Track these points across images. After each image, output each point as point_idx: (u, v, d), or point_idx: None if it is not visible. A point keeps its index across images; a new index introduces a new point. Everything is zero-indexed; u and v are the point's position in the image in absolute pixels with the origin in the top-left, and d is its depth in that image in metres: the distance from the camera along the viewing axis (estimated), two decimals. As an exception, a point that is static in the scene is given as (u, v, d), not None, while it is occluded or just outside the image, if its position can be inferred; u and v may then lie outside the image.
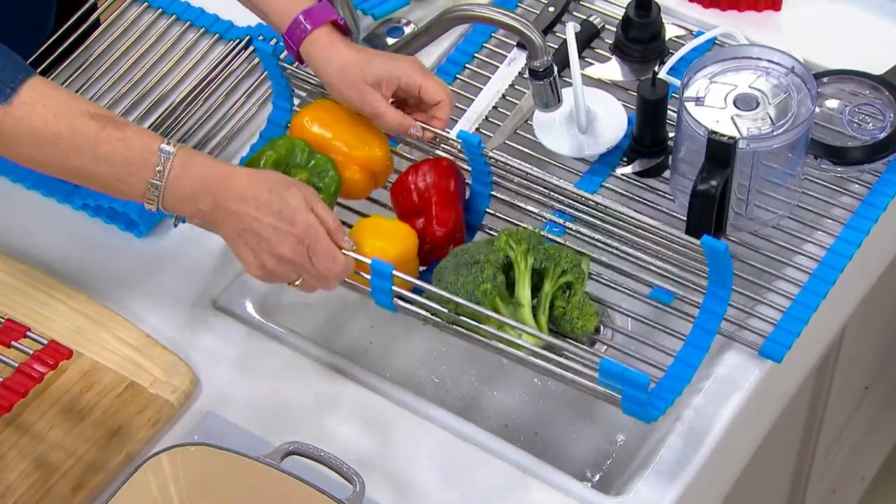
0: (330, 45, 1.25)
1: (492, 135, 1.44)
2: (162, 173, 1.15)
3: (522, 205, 1.31)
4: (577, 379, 1.17)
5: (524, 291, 1.21)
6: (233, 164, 1.20)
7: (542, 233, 1.28)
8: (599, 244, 1.29)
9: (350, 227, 1.27)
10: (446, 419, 1.25)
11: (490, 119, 1.45)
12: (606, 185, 1.39)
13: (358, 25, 1.43)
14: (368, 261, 1.19)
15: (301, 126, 1.29)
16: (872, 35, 1.49)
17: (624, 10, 1.46)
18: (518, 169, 1.27)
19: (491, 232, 1.31)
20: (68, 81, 1.48)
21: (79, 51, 1.51)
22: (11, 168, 1.40)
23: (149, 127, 1.44)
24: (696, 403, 1.25)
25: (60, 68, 1.50)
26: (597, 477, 1.36)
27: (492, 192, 1.31)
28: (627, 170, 1.39)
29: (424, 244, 1.26)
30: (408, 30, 1.52)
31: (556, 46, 1.46)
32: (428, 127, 1.26)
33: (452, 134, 1.27)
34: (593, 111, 1.40)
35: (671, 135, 1.37)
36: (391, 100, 1.27)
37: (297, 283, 1.19)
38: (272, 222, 1.15)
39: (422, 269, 1.28)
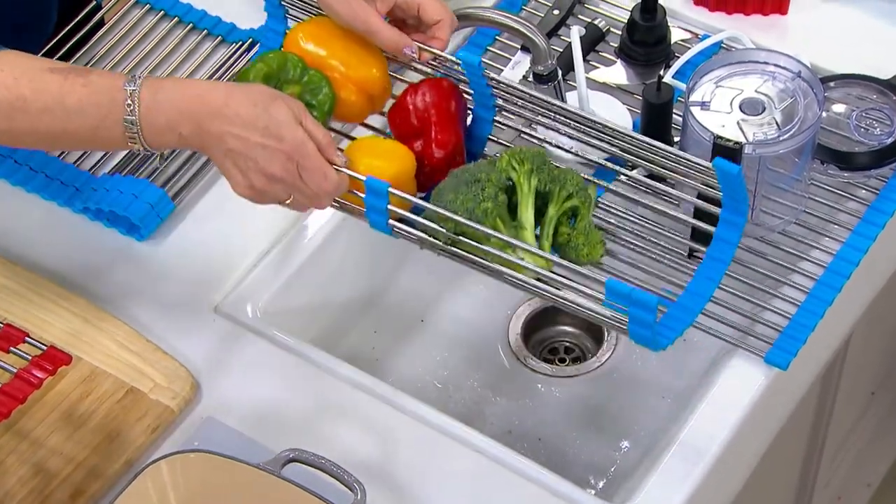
0: None
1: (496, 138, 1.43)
2: (132, 107, 1.10)
3: (528, 131, 1.25)
4: (581, 301, 1.11)
5: (527, 214, 1.15)
6: (209, 81, 1.14)
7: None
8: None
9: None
10: (449, 426, 1.24)
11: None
12: (611, 189, 1.37)
13: (361, 28, 1.42)
14: (363, 178, 1.14)
15: (295, 43, 1.23)
16: (880, 39, 1.48)
17: (629, 13, 1.45)
18: (523, 91, 1.21)
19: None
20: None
21: (80, 53, 1.50)
22: (11, 171, 1.39)
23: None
24: (702, 410, 1.24)
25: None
26: (601, 484, 1.35)
27: (495, 119, 1.25)
28: (633, 173, 1.37)
29: (423, 167, 1.20)
30: (411, 32, 1.50)
31: (561, 50, 1.46)
32: (426, 47, 1.21)
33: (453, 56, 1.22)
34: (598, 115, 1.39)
35: (676, 139, 1.36)
36: (388, 20, 1.22)
37: (287, 202, 1.14)
38: (258, 140, 1.10)
39: (420, 194, 1.22)
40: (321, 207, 1.16)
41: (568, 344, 1.49)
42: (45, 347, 1.16)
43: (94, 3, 1.54)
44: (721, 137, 1.24)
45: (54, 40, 1.50)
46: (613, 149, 1.20)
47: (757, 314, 1.28)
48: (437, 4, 1.20)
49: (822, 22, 1.50)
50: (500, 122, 1.26)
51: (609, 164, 1.24)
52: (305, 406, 1.24)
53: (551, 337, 1.49)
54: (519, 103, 1.23)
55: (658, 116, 1.34)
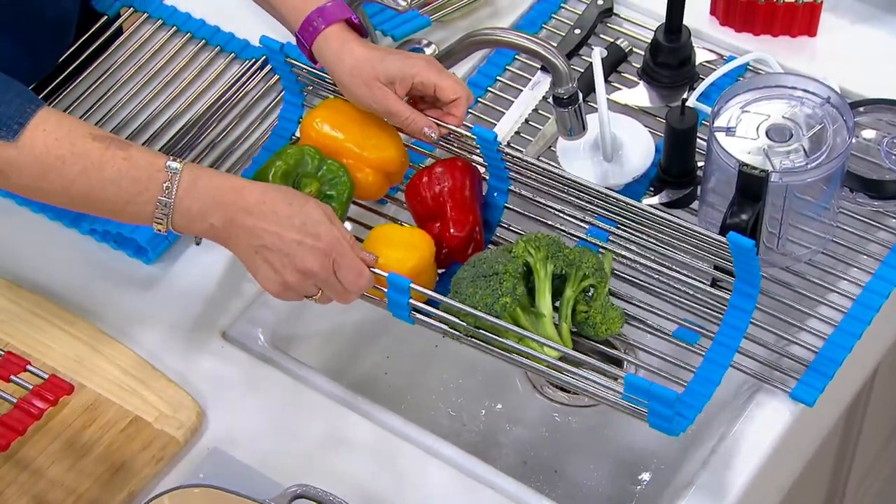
0: (342, 44, 1.22)
1: (514, 161, 1.40)
2: (170, 190, 1.11)
3: (543, 201, 1.27)
4: (600, 392, 1.13)
5: (545, 301, 1.18)
6: (243, 178, 1.16)
7: (574, 235, 1.25)
8: (626, 259, 1.25)
9: (366, 226, 1.25)
10: (462, 459, 1.21)
11: (512, 145, 1.41)
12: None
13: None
14: (385, 275, 1.16)
15: (311, 127, 1.25)
16: (911, 62, 1.45)
17: (653, 33, 1.42)
18: (535, 165, 1.23)
19: (511, 228, 1.28)
20: (81, 100, 1.45)
21: (91, 67, 1.48)
22: (18, 190, 1.36)
23: (162, 147, 1.41)
24: (725, 447, 1.21)
25: (73, 85, 1.47)
26: (619, 520, 1.32)
27: (510, 188, 1.27)
28: (654, 200, 1.35)
29: (442, 248, 1.23)
30: (428, 51, 1.48)
31: (582, 70, 1.43)
32: (442, 123, 1.23)
33: (467, 130, 1.23)
34: (619, 139, 1.36)
35: (700, 164, 1.33)
36: (406, 98, 1.23)
37: (315, 297, 1.16)
38: (295, 237, 1.12)
39: (440, 271, 1.25)
40: (347, 302, 1.18)
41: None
42: (46, 376, 1.13)
43: (106, 17, 1.51)
44: (747, 165, 1.21)
45: (67, 53, 1.47)
46: (632, 223, 1.23)
47: (782, 347, 1.25)
48: (453, 84, 1.22)
49: (852, 44, 1.47)
50: (514, 191, 1.28)
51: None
52: (314, 437, 1.21)
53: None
54: (533, 177, 1.25)
55: (681, 142, 1.31)
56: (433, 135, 1.22)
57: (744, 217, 1.21)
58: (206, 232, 1.14)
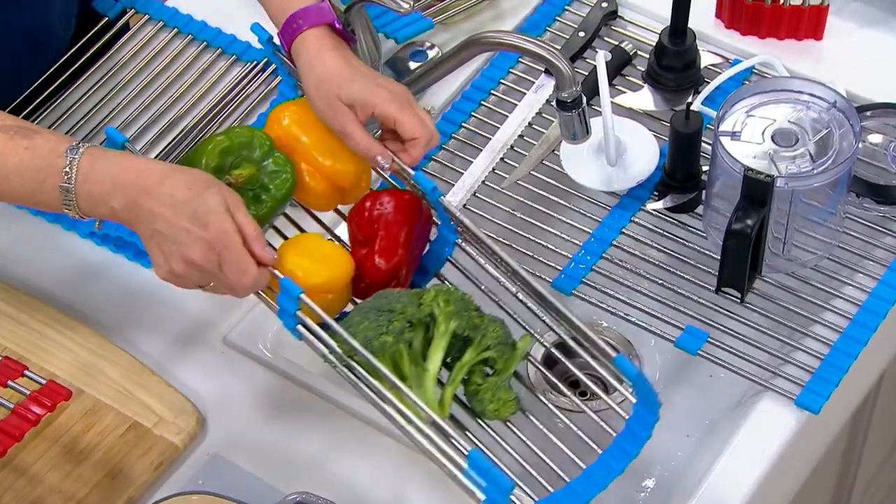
0: (318, 51, 1.18)
1: (517, 165, 1.39)
2: (69, 175, 1.08)
3: (487, 267, 1.20)
4: (444, 463, 1.06)
5: (436, 357, 1.11)
6: (151, 159, 1.12)
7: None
8: (627, 284, 1.23)
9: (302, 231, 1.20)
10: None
11: (515, 148, 1.40)
12: (636, 220, 1.34)
13: (379, 49, 1.39)
14: (280, 277, 1.10)
15: (276, 120, 1.21)
16: (919, 66, 1.44)
17: (658, 36, 1.41)
18: (473, 234, 1.17)
19: (447, 282, 1.21)
20: (81, 101, 1.44)
21: (92, 69, 1.47)
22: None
23: (162, 150, 1.40)
24: (729, 454, 1.20)
25: (74, 87, 1.46)
26: (622, 528, 1.30)
27: (449, 258, 1.21)
28: (658, 205, 1.34)
29: (364, 278, 1.17)
30: (431, 54, 1.47)
31: (586, 74, 1.42)
32: (397, 160, 1.18)
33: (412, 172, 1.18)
34: (623, 142, 1.35)
35: (705, 169, 1.32)
36: (376, 127, 1.20)
37: (206, 287, 1.12)
38: (184, 224, 1.08)
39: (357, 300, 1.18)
40: (239, 296, 1.13)
41: (590, 377, 1.44)
42: (43, 382, 1.12)
43: (106, 18, 1.51)
44: (752, 170, 1.19)
45: (67, 55, 1.47)
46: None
47: (787, 353, 1.24)
48: (415, 122, 1.17)
49: (859, 48, 1.46)
50: (462, 246, 1.21)
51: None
52: (316, 443, 1.21)
53: (572, 369, 1.44)
54: (472, 241, 1.19)
55: (686, 146, 1.30)
56: (385, 164, 1.17)
57: (749, 222, 1.20)
58: (110, 215, 1.10)
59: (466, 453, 1.05)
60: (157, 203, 1.08)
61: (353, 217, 1.19)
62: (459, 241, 1.20)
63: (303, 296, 1.10)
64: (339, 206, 1.25)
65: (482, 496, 1.05)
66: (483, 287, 1.20)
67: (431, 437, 1.07)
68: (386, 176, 1.22)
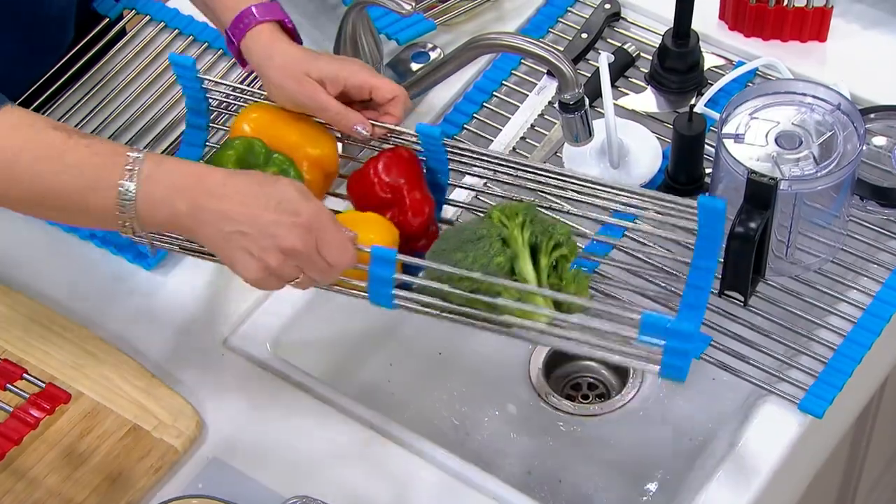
0: (273, 41, 1.18)
1: (519, 167, 1.38)
2: (132, 173, 1.06)
3: (484, 190, 1.24)
4: (605, 344, 1.07)
5: (528, 267, 1.12)
6: (206, 165, 1.12)
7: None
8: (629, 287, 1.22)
9: None
10: (465, 469, 1.19)
11: (518, 150, 1.40)
12: (639, 222, 1.33)
13: (381, 50, 1.38)
14: (368, 249, 1.10)
15: (240, 132, 1.21)
16: (923, 68, 1.44)
17: (661, 37, 1.40)
18: (482, 154, 1.19)
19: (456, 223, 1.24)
20: (82, 102, 1.44)
21: (93, 70, 1.47)
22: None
23: (164, 150, 1.40)
24: (733, 458, 1.19)
25: (74, 87, 1.45)
26: (624, 532, 1.30)
27: (449, 182, 1.23)
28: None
29: (402, 236, 1.18)
30: (433, 55, 1.47)
31: (589, 75, 1.41)
32: (379, 123, 1.19)
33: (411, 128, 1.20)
34: (626, 145, 1.34)
35: (708, 171, 1.31)
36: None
37: (297, 280, 1.10)
38: (271, 216, 1.05)
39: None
40: (328, 282, 1.12)
41: (591, 380, 1.44)
42: (43, 385, 1.12)
43: (107, 19, 1.50)
44: (756, 173, 1.19)
45: (68, 56, 1.46)
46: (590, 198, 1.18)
47: (791, 357, 1.23)
48: (389, 84, 1.19)
49: (863, 50, 1.45)
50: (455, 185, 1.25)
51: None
52: (316, 447, 1.20)
53: (574, 372, 1.44)
54: (489, 166, 1.21)
55: (689, 148, 1.30)
56: (365, 131, 1.18)
57: (752, 225, 1.19)
58: (171, 219, 1.07)
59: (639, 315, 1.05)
60: (228, 203, 1.06)
61: (361, 188, 1.19)
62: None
63: (400, 255, 1.10)
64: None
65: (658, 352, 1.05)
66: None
67: (589, 325, 1.08)
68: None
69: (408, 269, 1.16)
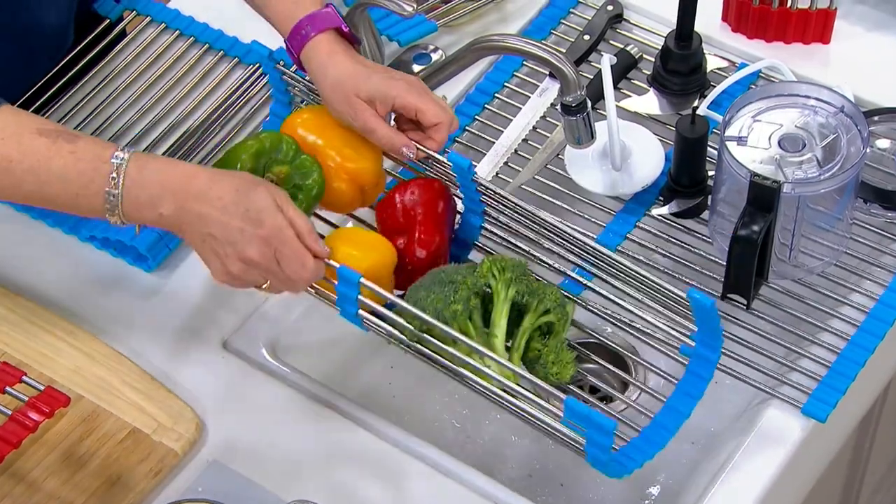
0: (329, 55, 1.20)
1: (521, 169, 1.38)
2: (116, 180, 1.09)
3: (514, 241, 1.24)
4: (541, 417, 1.09)
5: (500, 321, 1.13)
6: (194, 164, 1.13)
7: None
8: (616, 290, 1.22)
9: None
10: (466, 473, 1.19)
11: (519, 152, 1.39)
12: (641, 225, 1.33)
13: (383, 52, 1.38)
14: (336, 266, 1.12)
15: (292, 129, 1.23)
16: (927, 70, 1.43)
17: (663, 39, 1.40)
18: (508, 200, 1.19)
19: (486, 249, 1.25)
20: (82, 104, 1.44)
21: (94, 71, 1.46)
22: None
23: (165, 153, 1.39)
24: (735, 462, 1.19)
25: (75, 89, 1.45)
26: (626, 536, 1.30)
27: (483, 225, 1.24)
28: (664, 210, 1.32)
29: (405, 266, 1.19)
30: (435, 56, 1.46)
31: (591, 77, 1.40)
32: (422, 147, 1.20)
33: (444, 157, 1.21)
34: (628, 147, 1.34)
35: (711, 174, 1.31)
36: (394, 117, 1.21)
37: (264, 286, 1.13)
38: (238, 224, 1.09)
39: (398, 292, 1.20)
40: (296, 292, 1.15)
41: (593, 383, 1.43)
42: (42, 388, 1.11)
43: (108, 20, 1.50)
44: (759, 176, 1.18)
45: (69, 56, 1.46)
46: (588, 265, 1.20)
47: (793, 361, 1.23)
48: (435, 108, 1.20)
49: (867, 52, 1.45)
50: (488, 230, 1.25)
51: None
52: (316, 450, 1.19)
53: (576, 375, 1.43)
54: (506, 212, 1.22)
55: (692, 151, 1.29)
56: (411, 154, 1.20)
57: (755, 228, 1.19)
58: (156, 220, 1.11)
59: (563, 399, 1.06)
60: (208, 207, 1.09)
61: (383, 209, 1.21)
62: (484, 220, 1.23)
63: (363, 279, 1.11)
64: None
65: (583, 440, 1.06)
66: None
67: (519, 394, 1.09)
68: (406, 164, 1.24)
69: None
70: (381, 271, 1.17)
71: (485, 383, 1.11)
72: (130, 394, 1.20)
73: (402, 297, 1.17)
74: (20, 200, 1.14)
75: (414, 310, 1.11)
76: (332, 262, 1.12)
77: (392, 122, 1.22)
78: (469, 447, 1.36)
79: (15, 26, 1.33)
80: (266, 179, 1.16)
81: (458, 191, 1.24)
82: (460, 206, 1.25)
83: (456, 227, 1.25)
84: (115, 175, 1.09)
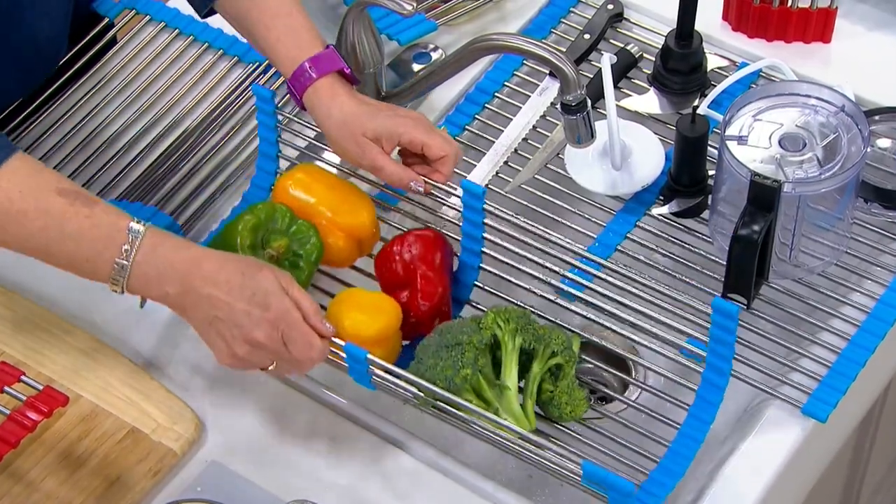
0: (333, 97, 1.22)
1: (521, 168, 1.37)
2: (129, 252, 1.10)
3: (514, 279, 1.25)
4: (563, 473, 1.11)
5: (511, 375, 1.16)
6: (203, 247, 1.14)
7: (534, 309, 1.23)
8: (631, 289, 1.22)
9: (332, 295, 1.23)
10: (465, 473, 1.19)
11: (519, 152, 1.39)
12: (641, 224, 1.32)
13: (382, 51, 1.37)
14: (342, 343, 1.14)
15: (284, 190, 1.25)
16: (928, 70, 1.43)
17: (664, 38, 1.39)
18: (516, 224, 1.22)
19: (478, 306, 1.26)
20: (82, 103, 1.43)
21: (93, 70, 1.46)
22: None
23: (165, 150, 1.39)
24: (735, 462, 1.19)
25: (74, 88, 1.45)
26: (626, 537, 1.29)
27: (481, 266, 1.26)
28: (664, 209, 1.32)
29: (409, 318, 1.21)
30: (434, 55, 1.46)
31: (591, 76, 1.40)
32: (429, 180, 1.23)
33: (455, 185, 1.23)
34: (629, 146, 1.34)
35: (711, 173, 1.30)
36: (398, 151, 1.24)
37: (270, 368, 1.14)
38: (244, 307, 1.10)
39: (405, 343, 1.23)
40: (301, 373, 1.17)
41: (593, 383, 1.43)
42: (40, 387, 1.11)
43: (107, 20, 1.49)
44: (759, 175, 1.18)
45: (66, 56, 1.45)
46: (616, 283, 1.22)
47: (794, 361, 1.22)
48: (441, 142, 1.23)
49: (868, 51, 1.44)
50: (486, 269, 1.27)
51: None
52: (316, 450, 1.19)
53: (576, 374, 1.43)
54: (509, 249, 1.24)
55: (692, 150, 1.29)
56: (420, 189, 1.22)
57: (755, 227, 1.18)
58: (161, 297, 1.13)
59: (580, 463, 1.10)
60: (215, 289, 1.10)
61: (382, 265, 1.23)
62: (483, 264, 1.26)
63: (369, 356, 1.13)
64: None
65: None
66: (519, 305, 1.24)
67: (537, 451, 1.12)
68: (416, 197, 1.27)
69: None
70: (389, 332, 1.18)
71: (504, 436, 1.13)
72: (129, 393, 1.20)
73: (409, 347, 1.20)
74: (27, 253, 1.14)
75: (425, 383, 1.13)
76: (338, 339, 1.14)
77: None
78: (468, 448, 1.36)
79: (8, 42, 1.33)
80: (268, 256, 1.18)
81: (455, 235, 1.26)
82: (456, 248, 1.27)
83: (455, 268, 1.27)
84: (127, 247, 1.10)
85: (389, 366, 1.15)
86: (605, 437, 1.20)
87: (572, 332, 1.22)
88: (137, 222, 1.11)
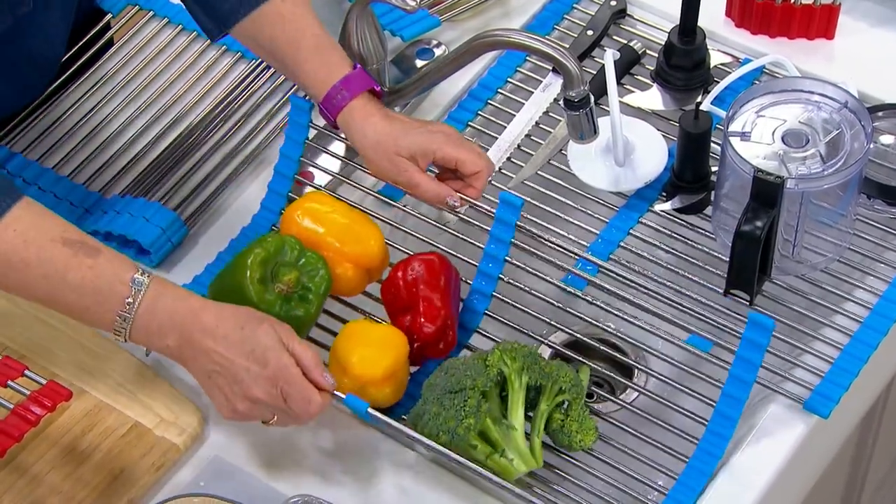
0: (366, 117, 1.24)
1: (524, 164, 1.38)
2: (132, 305, 1.11)
3: (514, 280, 1.25)
4: None
5: (517, 414, 1.15)
6: (203, 298, 1.14)
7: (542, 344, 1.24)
8: (634, 285, 1.22)
9: (340, 319, 1.24)
10: (469, 472, 1.18)
11: (522, 148, 1.39)
12: (644, 221, 1.32)
13: (385, 47, 1.37)
14: (343, 396, 1.14)
15: (292, 220, 1.25)
16: (931, 66, 1.43)
17: (667, 34, 1.39)
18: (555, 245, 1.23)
19: (487, 334, 1.26)
20: (86, 98, 1.44)
21: (97, 65, 1.46)
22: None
23: (168, 146, 1.39)
24: (738, 458, 1.18)
25: (78, 83, 1.45)
26: (629, 534, 1.29)
27: (493, 293, 1.26)
28: (667, 206, 1.32)
29: (413, 342, 1.21)
30: (438, 51, 1.46)
31: (594, 72, 1.40)
32: (464, 196, 1.25)
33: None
34: (632, 142, 1.34)
35: (714, 169, 1.30)
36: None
37: (271, 421, 1.14)
38: (244, 363, 1.10)
39: (414, 369, 1.23)
40: (301, 425, 1.17)
41: (597, 379, 1.43)
42: (44, 382, 1.11)
43: (110, 16, 1.49)
44: (762, 171, 1.18)
45: (68, 54, 1.45)
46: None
47: (796, 357, 1.22)
48: (473, 157, 1.24)
49: (871, 48, 1.44)
50: (497, 297, 1.27)
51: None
52: (318, 446, 1.19)
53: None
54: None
55: (695, 146, 1.29)
56: (456, 204, 1.24)
57: (758, 224, 1.19)
58: (162, 349, 1.13)
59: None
60: (214, 343, 1.10)
61: (387, 291, 1.24)
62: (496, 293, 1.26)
63: (370, 410, 1.15)
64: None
65: None
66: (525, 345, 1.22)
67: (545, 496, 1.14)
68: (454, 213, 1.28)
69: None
70: (398, 366, 1.18)
71: (511, 487, 1.13)
72: (133, 388, 1.20)
73: (417, 373, 1.21)
74: (29, 300, 1.14)
75: (427, 441, 1.14)
76: (338, 393, 1.14)
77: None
78: (471, 443, 1.36)
79: (6, 61, 1.33)
80: (278, 290, 1.18)
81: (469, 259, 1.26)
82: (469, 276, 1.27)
83: (467, 295, 1.27)
84: (130, 300, 1.11)
85: (391, 420, 1.15)
86: (616, 450, 1.21)
87: (582, 362, 1.22)
88: (142, 273, 1.11)
